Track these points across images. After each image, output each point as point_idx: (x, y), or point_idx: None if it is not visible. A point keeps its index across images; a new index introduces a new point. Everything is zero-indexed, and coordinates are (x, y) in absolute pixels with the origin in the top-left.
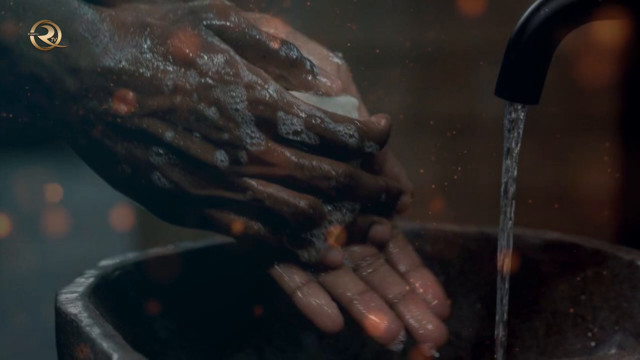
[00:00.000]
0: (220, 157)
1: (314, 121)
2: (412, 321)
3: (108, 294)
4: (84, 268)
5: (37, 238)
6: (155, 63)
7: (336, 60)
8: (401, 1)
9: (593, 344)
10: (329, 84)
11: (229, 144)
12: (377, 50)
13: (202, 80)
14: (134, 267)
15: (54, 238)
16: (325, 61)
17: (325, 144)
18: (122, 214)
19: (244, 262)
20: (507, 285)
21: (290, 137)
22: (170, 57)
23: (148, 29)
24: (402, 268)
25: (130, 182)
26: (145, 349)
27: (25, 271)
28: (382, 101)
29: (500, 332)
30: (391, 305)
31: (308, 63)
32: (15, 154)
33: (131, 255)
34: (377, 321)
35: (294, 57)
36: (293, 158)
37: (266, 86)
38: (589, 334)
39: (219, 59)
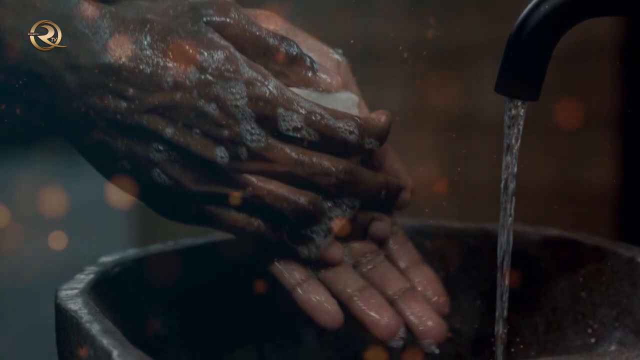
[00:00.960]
0: (220, 154)
1: (314, 118)
2: (412, 318)
3: (108, 291)
4: (83, 265)
5: (36, 235)
6: (155, 60)
7: (336, 56)
8: None
9: (593, 340)
10: (329, 80)
11: (229, 140)
12: (377, 47)
13: (202, 77)
14: (134, 263)
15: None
16: (325, 57)
17: (325, 140)
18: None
19: (244, 259)
20: (507, 282)
21: (290, 133)
22: (170, 53)
23: (148, 26)
24: (402, 264)
25: (130, 178)
26: (145, 346)
27: (25, 268)
28: (382, 98)
29: (500, 329)
30: (391, 302)
31: (308, 59)
32: (15, 150)
33: (131, 252)
34: (377, 318)
35: (294, 53)
36: (293, 154)
37: (266, 82)
38: (589, 331)
39: (219, 55)
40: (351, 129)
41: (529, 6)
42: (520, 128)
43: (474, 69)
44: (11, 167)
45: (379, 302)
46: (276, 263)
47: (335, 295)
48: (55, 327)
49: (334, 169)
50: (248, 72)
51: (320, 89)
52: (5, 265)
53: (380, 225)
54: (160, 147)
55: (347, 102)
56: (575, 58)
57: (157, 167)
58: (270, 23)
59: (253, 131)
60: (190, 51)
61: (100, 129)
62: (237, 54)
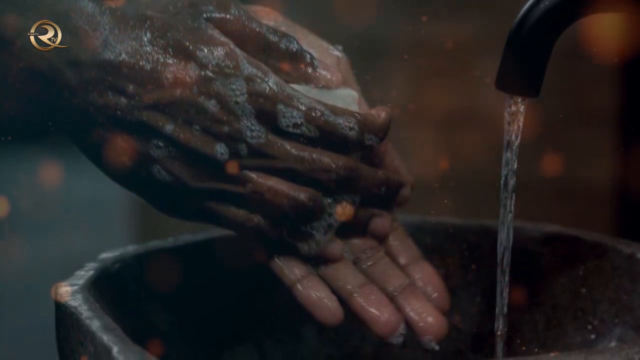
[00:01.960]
0: (220, 150)
1: (314, 114)
2: (412, 314)
3: (108, 287)
4: (84, 261)
5: (36, 231)
6: (155, 56)
7: (336, 53)
8: None
9: (593, 336)
10: (329, 76)
11: (229, 136)
12: (377, 44)
13: (202, 73)
14: (134, 260)
15: (54, 231)
16: (325, 54)
17: (325, 136)
18: (122, 206)
19: (244, 255)
20: (507, 278)
21: (290, 129)
22: (170, 49)
23: (148, 22)
24: (402, 261)
25: (130, 174)
26: (145, 342)
27: (25, 264)
28: (381, 94)
29: (500, 325)
30: (391, 298)
31: (308, 56)
32: (15, 146)
33: (131, 248)
34: (377, 314)
35: (294, 49)
36: (293, 151)
37: (266, 79)
38: (589, 327)
39: (219, 51)
40: (351, 125)
41: (529, 3)
42: (520, 124)
43: (474, 65)
44: (11, 164)
45: (379, 299)
46: (276, 259)
47: (335, 291)
48: (55, 324)
49: (334, 165)
50: (248, 68)
51: (320, 86)
52: (6, 261)
53: (380, 222)
54: (160, 144)
55: (347, 98)
56: (575, 55)
57: (157, 164)
58: (270, 19)
59: (253, 127)
60: (190, 47)
61: (100, 126)
62: (237, 51)
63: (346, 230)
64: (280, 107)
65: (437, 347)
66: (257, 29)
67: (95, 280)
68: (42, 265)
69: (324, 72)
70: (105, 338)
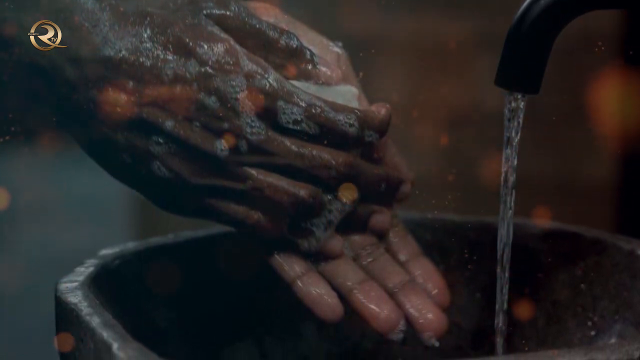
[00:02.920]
0: (220, 146)
1: (314, 110)
2: (412, 310)
3: (108, 284)
4: (84, 257)
5: (37, 227)
6: (155, 52)
7: (336, 49)
8: None
9: (593, 333)
10: (329, 73)
11: (229, 133)
12: (377, 40)
13: (202, 70)
14: (134, 256)
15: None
16: (325, 50)
17: (325, 133)
18: (122, 203)
19: (244, 252)
20: (507, 275)
21: (290, 126)
22: (170, 46)
23: (148, 18)
24: (402, 257)
25: (130, 171)
26: (145, 339)
27: (25, 260)
28: (381, 90)
29: (500, 322)
30: (391, 295)
31: (308, 52)
32: (15, 143)
33: (131, 245)
34: (377, 310)
35: (294, 46)
36: (293, 147)
37: (266, 75)
38: (589, 324)
39: (219, 48)
40: (351, 122)
41: None
42: (520, 121)
43: (474, 62)
44: (11, 160)
45: (379, 295)
46: (276, 256)
47: (335, 288)
48: (55, 320)
49: (333, 162)
50: (248, 64)
51: (320, 82)
52: (6, 257)
53: (381, 218)
54: (160, 140)
55: (347, 94)
56: (575, 51)
57: (157, 160)
58: (270, 16)
59: (253, 124)
60: (190, 44)
61: (100, 122)
62: (237, 47)
63: (346, 227)
64: (281, 103)
65: (437, 344)
66: (257, 26)
67: (95, 276)
68: (42, 262)
69: (324, 69)
70: (106, 334)
